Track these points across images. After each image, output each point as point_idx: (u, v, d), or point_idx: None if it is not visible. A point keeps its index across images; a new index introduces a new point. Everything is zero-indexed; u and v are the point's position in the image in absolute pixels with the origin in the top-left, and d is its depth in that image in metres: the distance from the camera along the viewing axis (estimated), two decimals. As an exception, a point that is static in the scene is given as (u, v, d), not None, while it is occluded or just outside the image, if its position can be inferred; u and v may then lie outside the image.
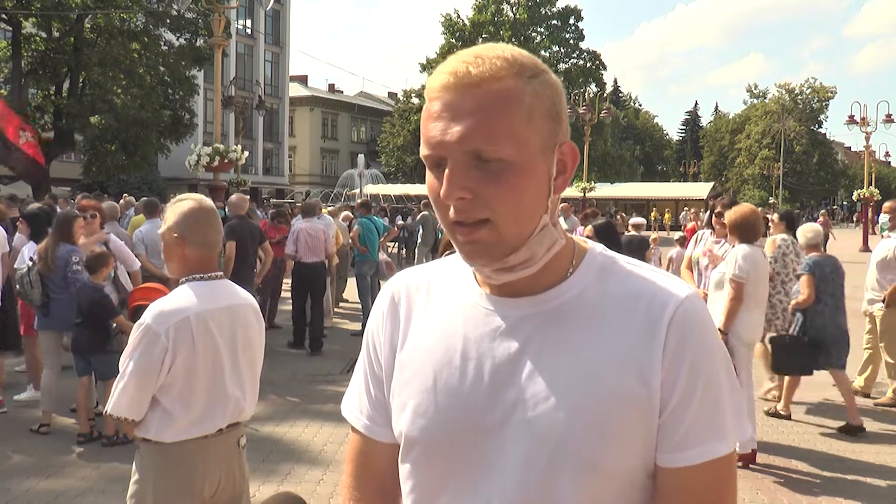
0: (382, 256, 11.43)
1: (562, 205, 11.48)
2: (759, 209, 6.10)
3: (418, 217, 17.34)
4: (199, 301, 2.50)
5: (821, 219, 27.46)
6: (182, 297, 2.51)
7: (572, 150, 1.02)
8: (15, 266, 6.60)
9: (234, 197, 8.50)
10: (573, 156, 1.02)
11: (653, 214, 38.92)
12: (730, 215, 5.26)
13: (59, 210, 9.82)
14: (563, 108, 1.02)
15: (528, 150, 0.96)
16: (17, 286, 5.97)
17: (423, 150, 0.99)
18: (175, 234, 2.53)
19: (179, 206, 2.58)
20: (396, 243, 20.59)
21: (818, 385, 7.31)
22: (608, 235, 5.08)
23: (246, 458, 2.70)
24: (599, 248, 1.10)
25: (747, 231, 5.12)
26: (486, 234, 0.97)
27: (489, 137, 0.94)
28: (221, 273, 2.66)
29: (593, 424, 0.97)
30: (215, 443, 2.53)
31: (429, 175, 1.01)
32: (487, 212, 0.96)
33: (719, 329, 4.94)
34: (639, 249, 9.49)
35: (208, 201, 2.66)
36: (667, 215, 40.71)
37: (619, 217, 19.87)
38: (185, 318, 2.44)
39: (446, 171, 0.96)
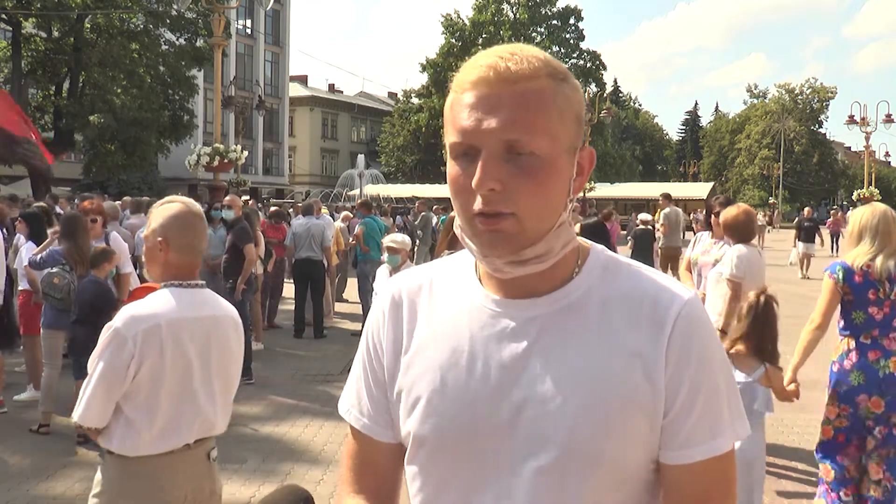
0: (382, 257, 11.44)
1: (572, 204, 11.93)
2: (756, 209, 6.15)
3: (420, 217, 17.35)
4: (174, 308, 2.38)
5: (831, 218, 27.38)
6: (157, 303, 2.38)
7: (591, 154, 1.06)
8: (23, 265, 6.60)
9: (233, 199, 8.50)
10: (591, 160, 1.06)
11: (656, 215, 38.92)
12: (723, 215, 5.26)
13: (59, 210, 9.83)
14: (584, 113, 1.05)
15: (558, 147, 0.99)
16: (56, 293, 5.70)
17: (453, 138, 1.00)
18: (159, 238, 2.41)
19: (166, 208, 2.47)
20: (396, 243, 20.55)
21: (819, 384, 7.31)
22: (598, 234, 5.10)
23: (217, 471, 2.56)
24: (600, 248, 1.12)
25: (742, 231, 5.13)
26: (510, 226, 0.98)
27: (527, 129, 0.96)
28: (203, 282, 2.54)
29: (600, 423, 1.00)
30: (182, 458, 2.40)
31: (452, 165, 1.01)
32: (513, 206, 0.97)
33: (720, 329, 4.94)
34: (647, 241, 11.99)
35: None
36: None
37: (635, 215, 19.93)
38: (155, 324, 2.32)
39: (480, 161, 0.96)
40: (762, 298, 3.61)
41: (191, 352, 2.39)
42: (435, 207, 19.75)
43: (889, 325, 3.69)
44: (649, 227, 12.81)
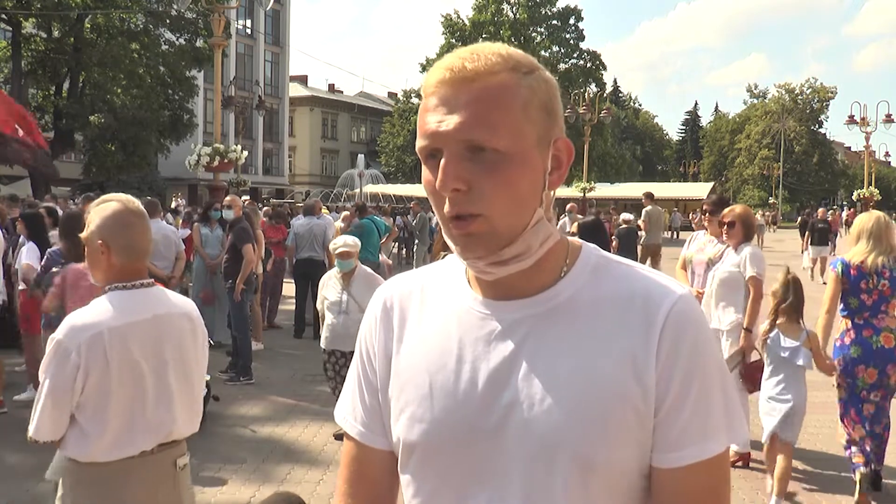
0: (383, 258, 11.41)
1: (568, 205, 11.83)
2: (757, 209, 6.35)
3: (417, 217, 17.40)
4: (117, 314, 2.28)
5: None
6: (97, 310, 2.28)
7: (567, 146, 1.03)
8: (24, 264, 6.58)
9: (233, 199, 8.51)
10: (568, 152, 1.03)
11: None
12: (735, 212, 5.29)
13: (59, 210, 9.82)
14: (558, 104, 1.02)
15: (523, 142, 0.97)
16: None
17: (419, 143, 1.00)
18: (98, 241, 2.30)
19: (102, 208, 2.34)
20: (397, 243, 20.62)
21: (818, 384, 7.31)
22: (595, 233, 5.11)
23: (187, 479, 2.48)
24: (592, 247, 1.09)
25: (750, 228, 5.20)
26: (482, 227, 0.97)
27: (485, 127, 0.95)
28: (151, 280, 2.42)
29: (590, 424, 0.97)
30: (142, 464, 2.32)
31: (424, 170, 1.01)
32: (482, 206, 0.96)
33: (745, 328, 5.00)
34: (631, 239, 12.85)
35: (136, 203, 2.41)
36: (665, 216, 40.57)
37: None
38: (97, 332, 2.23)
39: (441, 161, 0.96)
40: (792, 274, 4.57)
41: (138, 357, 2.31)
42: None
43: (878, 309, 4.54)
44: (632, 225, 13.56)
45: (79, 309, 2.34)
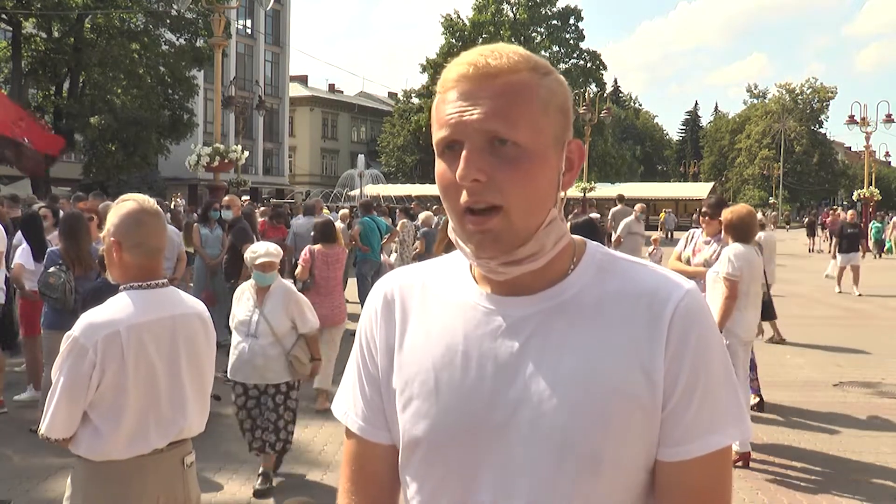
0: (384, 257, 11.40)
1: (637, 205, 12.29)
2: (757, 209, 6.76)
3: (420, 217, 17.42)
4: (133, 312, 2.31)
5: (829, 218, 27.19)
6: (115, 308, 2.32)
7: (579, 147, 1.05)
8: (15, 265, 6.59)
9: (232, 199, 8.53)
10: (580, 153, 1.04)
11: (661, 215, 39.02)
12: (726, 215, 5.32)
13: (61, 211, 9.82)
14: (571, 107, 1.05)
15: (542, 139, 0.98)
16: (51, 293, 5.57)
17: (438, 133, 1.00)
18: (112, 239, 2.34)
19: (119, 207, 2.39)
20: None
21: (817, 384, 7.30)
22: (589, 233, 5.11)
23: (194, 477, 2.52)
24: (597, 245, 1.10)
25: (742, 231, 5.18)
26: (498, 223, 0.97)
27: (508, 120, 0.96)
28: (165, 280, 2.45)
29: (597, 421, 0.98)
30: (153, 462, 2.35)
31: (439, 163, 1.01)
32: (500, 198, 0.96)
33: None
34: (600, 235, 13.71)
35: (151, 202, 2.44)
36: (661, 215, 40.57)
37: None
38: (114, 331, 2.25)
39: (463, 153, 0.96)
40: None
41: (154, 355, 2.33)
42: (435, 208, 19.79)
43: None
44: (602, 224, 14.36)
45: (95, 307, 2.36)
